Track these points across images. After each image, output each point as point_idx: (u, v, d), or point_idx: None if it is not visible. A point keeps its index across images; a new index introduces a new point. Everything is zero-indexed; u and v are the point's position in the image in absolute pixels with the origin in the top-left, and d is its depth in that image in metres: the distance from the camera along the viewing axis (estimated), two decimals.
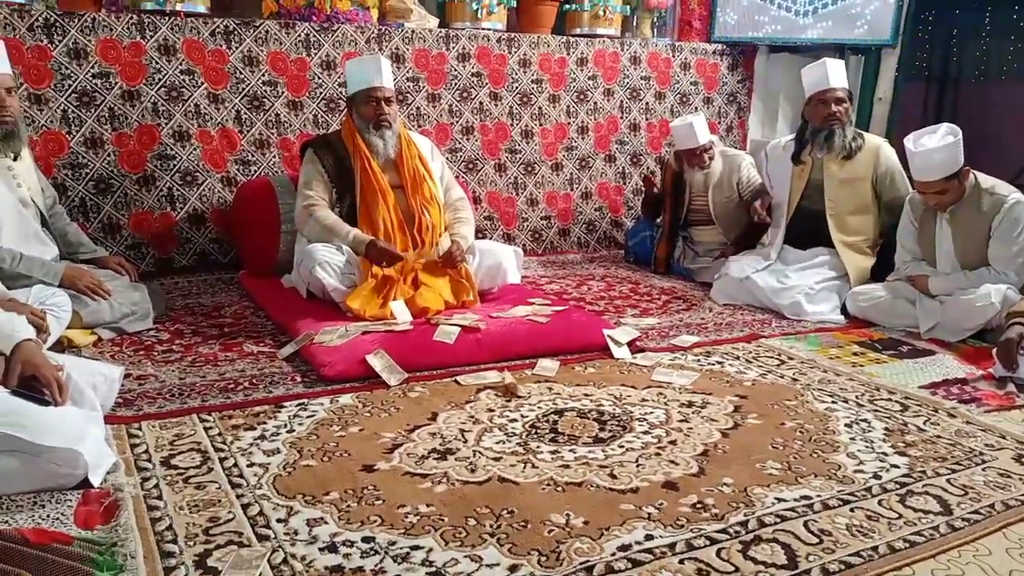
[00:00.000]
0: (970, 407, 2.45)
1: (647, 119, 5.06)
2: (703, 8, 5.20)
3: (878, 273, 3.59)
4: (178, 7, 3.76)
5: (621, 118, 4.98)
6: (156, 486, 1.81)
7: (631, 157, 5.05)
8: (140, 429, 2.11)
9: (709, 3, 5.17)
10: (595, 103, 4.87)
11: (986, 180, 3.15)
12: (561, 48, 4.71)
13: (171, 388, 2.42)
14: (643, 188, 4.68)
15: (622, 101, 4.96)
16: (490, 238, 4.45)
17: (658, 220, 4.44)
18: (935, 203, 3.16)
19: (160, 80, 3.72)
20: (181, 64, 3.76)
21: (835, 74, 3.60)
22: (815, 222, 3.64)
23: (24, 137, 2.88)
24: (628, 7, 4.96)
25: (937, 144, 3.05)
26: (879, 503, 1.82)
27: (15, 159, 2.86)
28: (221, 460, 1.95)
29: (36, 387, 1.86)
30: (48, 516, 1.66)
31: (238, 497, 1.77)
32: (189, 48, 3.76)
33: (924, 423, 2.31)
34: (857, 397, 2.51)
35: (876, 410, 2.40)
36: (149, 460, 1.94)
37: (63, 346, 2.64)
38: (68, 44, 3.53)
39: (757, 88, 5.40)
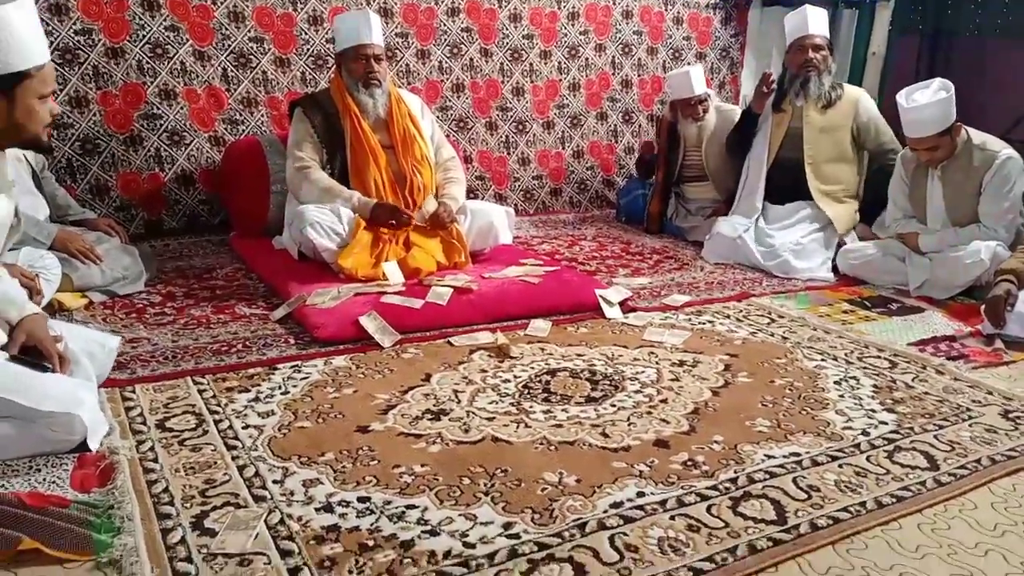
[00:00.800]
0: (958, 364, 2.47)
1: (639, 75, 5.00)
2: None
3: (865, 219, 3.66)
4: None
5: (613, 74, 4.92)
6: (151, 449, 1.82)
7: (623, 115, 5.01)
8: (134, 392, 2.12)
9: None
10: (587, 59, 4.81)
11: (977, 136, 3.14)
12: (552, 2, 4.63)
13: (164, 351, 2.42)
14: (640, 151, 4.64)
15: (614, 57, 4.90)
16: (482, 198, 4.43)
17: (651, 179, 4.42)
18: (927, 159, 3.16)
19: (144, 37, 3.65)
20: (165, 20, 3.68)
21: (814, 21, 3.63)
22: (793, 173, 3.66)
23: None
24: None
25: (929, 100, 3.04)
26: (867, 459, 1.85)
27: None
28: (216, 422, 1.96)
29: (36, 354, 1.86)
30: (44, 480, 1.66)
31: (234, 459, 1.79)
32: (173, 3, 3.68)
33: (912, 380, 2.33)
34: (846, 355, 2.53)
35: (865, 367, 2.43)
36: (144, 423, 1.95)
37: (53, 309, 2.63)
38: (49, 0, 3.45)
39: (750, 43, 5.34)
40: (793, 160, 3.67)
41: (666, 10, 4.99)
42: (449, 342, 2.56)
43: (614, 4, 4.82)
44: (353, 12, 3.46)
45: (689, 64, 5.01)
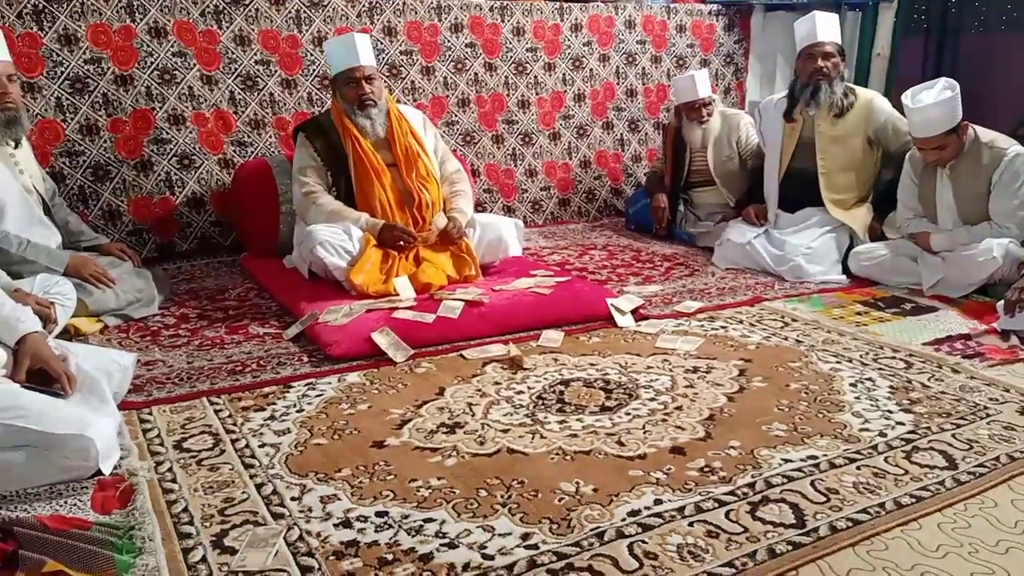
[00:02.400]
0: (974, 362, 2.46)
1: (644, 84, 5.02)
2: None
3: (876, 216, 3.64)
4: None
5: (618, 84, 4.94)
6: (170, 469, 1.84)
7: (629, 123, 5.02)
8: (151, 414, 2.14)
9: None
10: (591, 70, 4.84)
11: (985, 134, 3.13)
12: (555, 15, 4.66)
13: (180, 372, 2.44)
14: (646, 179, 4.67)
15: (618, 67, 4.92)
16: (490, 211, 4.45)
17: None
18: (934, 159, 3.15)
19: (152, 63, 3.70)
20: (172, 46, 3.73)
21: (824, 28, 3.56)
22: (804, 182, 3.63)
23: (26, 125, 2.90)
24: None
25: (935, 99, 3.03)
26: (885, 460, 1.84)
27: (16, 147, 2.87)
28: (233, 441, 1.97)
29: (45, 380, 1.87)
30: (66, 503, 1.68)
31: (251, 477, 1.80)
32: (180, 29, 3.73)
33: (928, 379, 2.32)
34: (861, 356, 2.52)
35: (880, 368, 2.41)
36: (162, 444, 1.97)
37: (70, 335, 2.65)
38: (58, 30, 3.50)
39: (754, 48, 5.35)
40: (806, 170, 3.62)
41: (669, 18, 5.01)
42: (462, 355, 2.57)
43: (617, 14, 4.84)
44: (341, 37, 3.44)
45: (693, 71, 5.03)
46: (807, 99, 3.56)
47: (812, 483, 1.73)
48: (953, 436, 1.96)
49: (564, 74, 4.75)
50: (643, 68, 5.00)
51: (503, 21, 4.51)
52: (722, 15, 5.17)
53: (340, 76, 3.26)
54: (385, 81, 3.88)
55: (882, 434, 1.97)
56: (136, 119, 3.70)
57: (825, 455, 1.86)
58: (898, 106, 3.33)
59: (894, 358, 2.50)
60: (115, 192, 3.71)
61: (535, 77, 4.66)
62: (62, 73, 3.54)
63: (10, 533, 1.49)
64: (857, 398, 2.20)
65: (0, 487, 1.69)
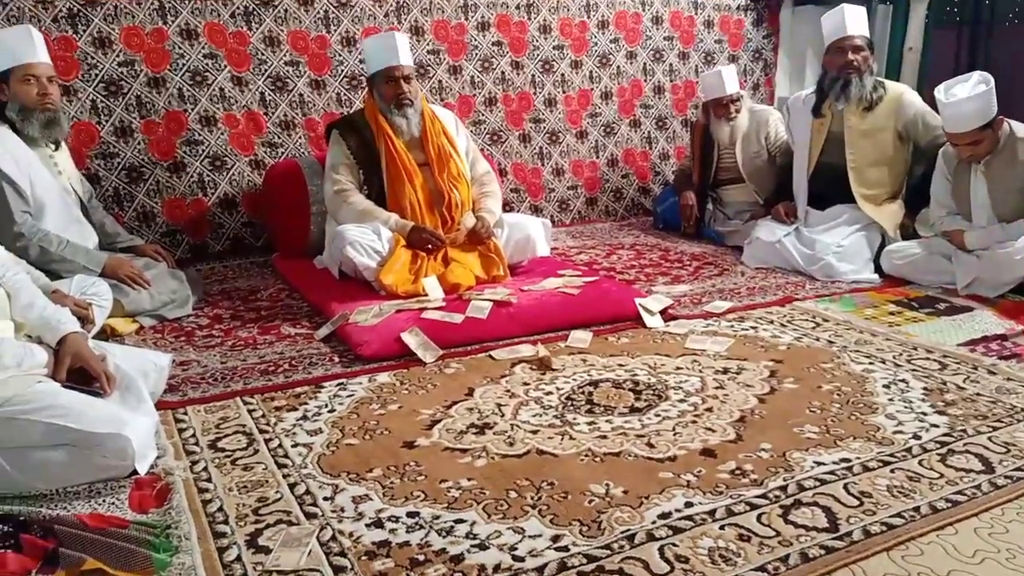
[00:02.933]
0: (1010, 363, 2.42)
1: (671, 80, 4.99)
2: None
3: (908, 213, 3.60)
4: None
5: (645, 81, 4.92)
6: (205, 469, 1.87)
7: (657, 121, 5.00)
8: (186, 414, 2.17)
9: None
10: (618, 67, 4.82)
11: (1021, 128, 3.07)
12: (582, 12, 4.65)
13: (214, 372, 2.48)
14: (674, 177, 4.65)
15: (645, 63, 4.90)
16: (517, 211, 4.46)
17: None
18: (969, 154, 3.10)
19: (184, 65, 3.75)
20: (204, 48, 3.78)
21: (853, 21, 3.52)
22: (833, 177, 3.59)
23: (65, 127, 2.97)
24: None
25: (969, 94, 2.98)
26: (919, 463, 1.82)
27: (56, 148, 2.93)
28: (266, 441, 2.00)
29: (84, 379, 1.91)
30: (104, 502, 1.71)
31: (284, 477, 1.82)
32: (211, 31, 3.78)
33: (964, 381, 2.29)
34: (894, 357, 2.49)
35: (914, 369, 2.38)
36: (197, 444, 2.00)
37: (106, 335, 2.70)
38: (92, 34, 3.57)
39: (783, 43, 5.30)
40: (835, 165, 3.59)
41: (696, 14, 4.98)
42: (491, 356, 2.57)
43: (644, 10, 4.82)
44: (381, 35, 3.49)
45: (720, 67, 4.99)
46: (837, 93, 3.52)
47: (845, 486, 1.72)
48: (989, 439, 1.93)
49: (591, 71, 4.74)
50: (670, 64, 4.97)
51: (530, 19, 4.51)
52: (750, 10, 5.13)
53: (379, 75, 3.28)
54: None
55: (916, 436, 1.95)
56: (169, 121, 3.75)
57: (858, 458, 1.85)
58: (930, 101, 3.28)
59: (928, 359, 2.47)
60: (149, 193, 3.77)
61: (562, 75, 4.66)
62: (96, 76, 3.60)
63: (51, 531, 1.53)
64: (890, 400, 2.17)
65: (41, 485, 1.73)
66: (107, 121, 3.64)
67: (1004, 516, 1.60)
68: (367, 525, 1.62)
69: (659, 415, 2.10)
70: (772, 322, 2.86)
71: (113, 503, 1.71)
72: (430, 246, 3.14)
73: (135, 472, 1.80)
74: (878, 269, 3.42)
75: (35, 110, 2.80)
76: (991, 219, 3.15)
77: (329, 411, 2.18)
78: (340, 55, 4.07)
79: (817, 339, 2.67)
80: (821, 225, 3.60)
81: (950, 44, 5.12)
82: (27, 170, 2.77)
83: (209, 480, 1.81)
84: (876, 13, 5.11)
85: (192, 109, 3.79)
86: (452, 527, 1.60)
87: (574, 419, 2.09)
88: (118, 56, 3.62)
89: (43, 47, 2.87)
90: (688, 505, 1.66)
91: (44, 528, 1.54)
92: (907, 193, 3.65)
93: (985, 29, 5.02)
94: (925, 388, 2.24)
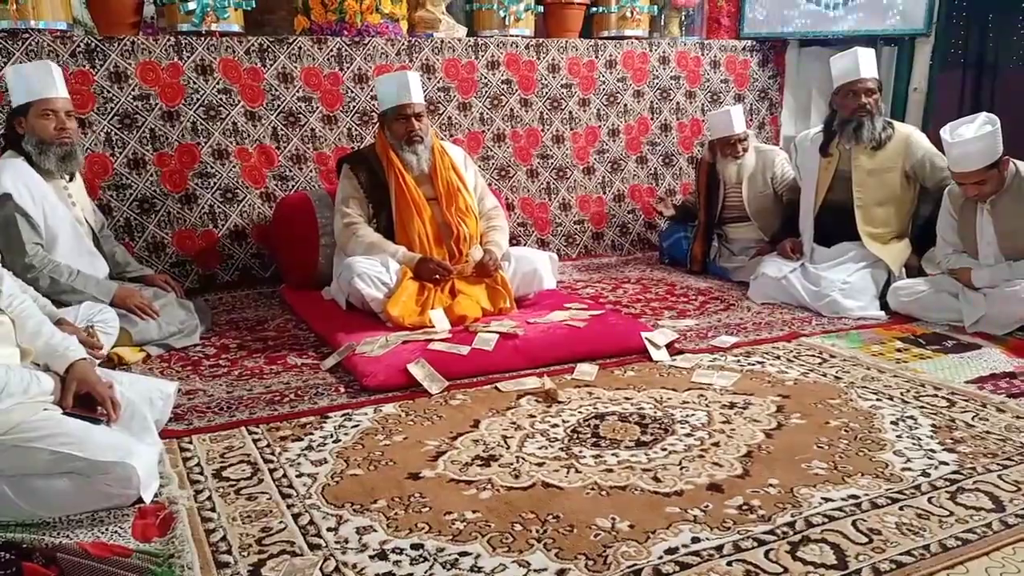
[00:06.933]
0: (1019, 401, 2.40)
1: (678, 119, 5.04)
2: (731, 5, 5.17)
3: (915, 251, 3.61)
4: (213, 27, 3.84)
5: (652, 119, 4.97)
6: (209, 498, 1.86)
7: (663, 158, 5.04)
8: (191, 443, 2.17)
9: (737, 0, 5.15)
10: (625, 105, 4.87)
11: None
12: (589, 51, 4.72)
13: (219, 402, 2.48)
14: (658, 205, 4.72)
15: (652, 102, 4.95)
16: (524, 244, 4.48)
17: (692, 222, 4.43)
18: (975, 194, 3.11)
19: (198, 100, 3.81)
20: (218, 83, 3.84)
21: (865, 64, 3.55)
22: (840, 216, 3.60)
23: (80, 160, 3.01)
24: (656, 7, 4.95)
25: (975, 134, 3.01)
26: (929, 501, 1.80)
27: (71, 180, 2.97)
28: (271, 471, 2.00)
29: (90, 406, 1.91)
30: (107, 530, 1.71)
31: (288, 507, 1.81)
32: (225, 67, 3.85)
33: (972, 419, 2.27)
34: (902, 394, 2.48)
35: (922, 406, 2.37)
36: (201, 473, 1.99)
37: (113, 364, 2.71)
38: (109, 68, 3.63)
39: (788, 83, 5.36)
40: (842, 203, 3.60)
41: (703, 54, 5.04)
42: (496, 388, 2.57)
43: (651, 50, 4.88)
44: (393, 73, 3.53)
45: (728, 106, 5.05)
46: (849, 135, 3.54)
47: (854, 523, 1.70)
48: (999, 477, 1.91)
49: (598, 109, 4.79)
50: (677, 103, 5.02)
51: (539, 58, 4.57)
52: (756, 51, 5.19)
53: (391, 111, 3.32)
54: None
55: (925, 474, 1.93)
56: (181, 153, 3.80)
57: (867, 494, 1.83)
58: (936, 141, 3.29)
59: (936, 396, 2.46)
60: (160, 224, 3.80)
61: (569, 112, 4.71)
62: (111, 109, 3.66)
63: (53, 559, 1.52)
64: (899, 436, 2.16)
65: (44, 513, 1.73)
66: (120, 153, 3.69)
67: (1016, 555, 1.58)
68: (371, 557, 1.61)
69: (665, 449, 2.09)
70: (779, 357, 2.85)
71: (116, 531, 1.70)
72: (437, 276, 3.15)
73: (139, 500, 1.79)
74: (884, 306, 3.41)
75: (52, 144, 2.85)
76: (998, 257, 3.15)
77: (334, 441, 2.17)
78: (352, 91, 4.12)
79: (824, 375, 2.66)
80: (827, 262, 3.61)
81: (955, 86, 5.16)
82: (41, 202, 2.81)
83: (213, 509, 1.81)
84: (881, 54, 5.16)
85: (205, 143, 3.84)
86: (457, 559, 1.59)
87: (580, 452, 2.08)
88: (133, 90, 3.69)
89: (62, 82, 2.93)
90: (695, 540, 1.64)
91: (47, 556, 1.53)
92: (914, 233, 3.66)
93: (989, 71, 5.07)
94: (933, 425, 2.23)
